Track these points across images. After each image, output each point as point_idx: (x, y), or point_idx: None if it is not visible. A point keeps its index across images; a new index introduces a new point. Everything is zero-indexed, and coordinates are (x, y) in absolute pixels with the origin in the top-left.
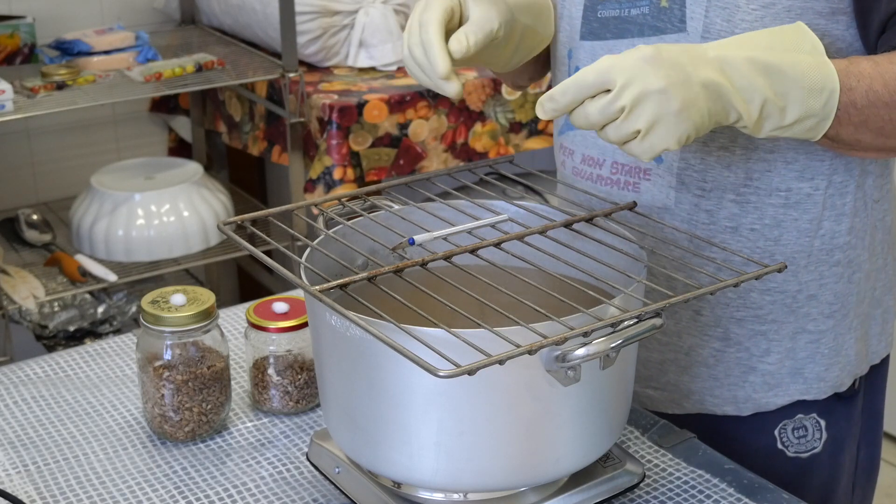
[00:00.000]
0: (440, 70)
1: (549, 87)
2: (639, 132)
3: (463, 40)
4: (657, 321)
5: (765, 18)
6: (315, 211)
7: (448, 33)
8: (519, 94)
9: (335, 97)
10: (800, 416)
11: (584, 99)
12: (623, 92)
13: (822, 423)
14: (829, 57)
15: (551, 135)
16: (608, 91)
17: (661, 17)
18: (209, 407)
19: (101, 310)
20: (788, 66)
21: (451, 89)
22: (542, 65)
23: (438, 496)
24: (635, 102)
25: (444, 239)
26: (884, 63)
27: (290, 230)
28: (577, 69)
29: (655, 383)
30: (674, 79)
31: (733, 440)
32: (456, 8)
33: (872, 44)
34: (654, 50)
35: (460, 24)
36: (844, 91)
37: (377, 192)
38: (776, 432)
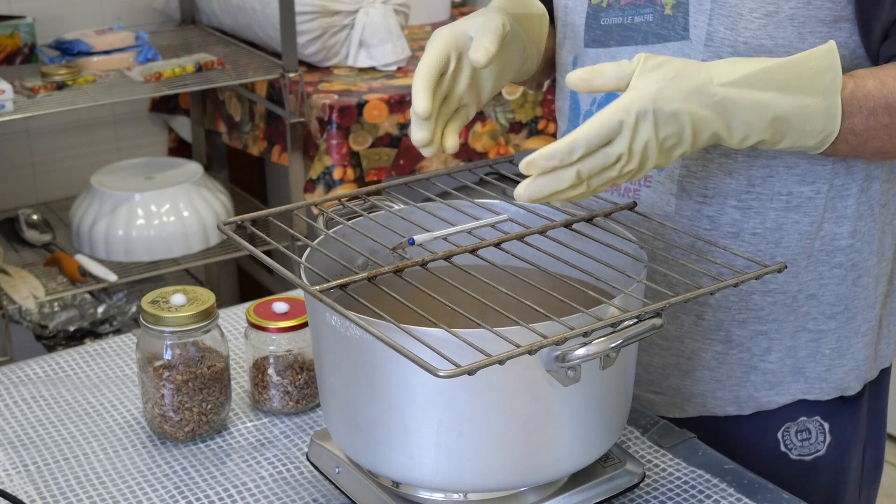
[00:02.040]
0: (418, 109)
1: (553, 88)
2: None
3: (480, 48)
4: (657, 321)
5: (768, 27)
6: (315, 211)
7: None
8: (519, 94)
9: (335, 97)
10: (803, 418)
11: (589, 153)
12: (627, 151)
13: (826, 425)
14: None
15: (551, 135)
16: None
17: (664, 24)
18: (209, 407)
19: (101, 310)
20: (793, 114)
21: (420, 136)
22: (552, 63)
23: (438, 496)
24: (633, 157)
25: (444, 239)
26: (889, 82)
27: (290, 230)
28: None
29: (657, 388)
30: (669, 131)
31: (736, 443)
32: (453, 51)
33: (875, 50)
34: (655, 99)
35: (459, 62)
36: (845, 118)
37: (377, 192)
38: (779, 435)
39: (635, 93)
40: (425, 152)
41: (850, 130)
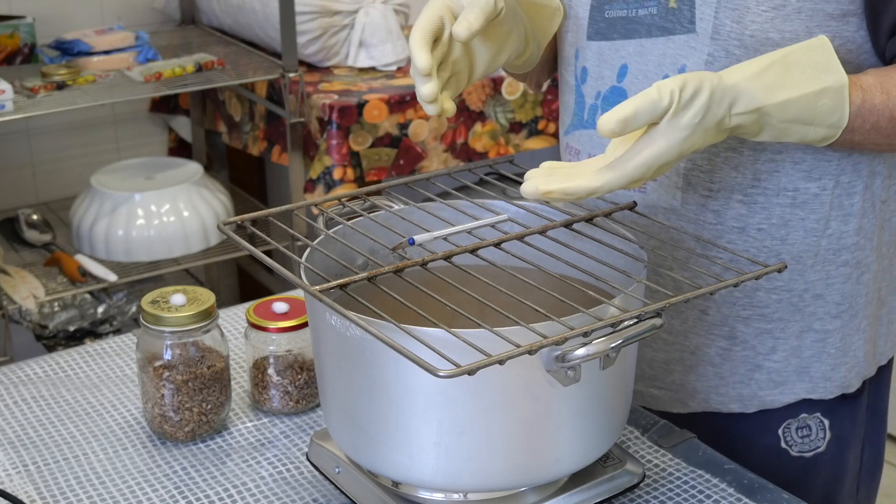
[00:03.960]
0: (419, 64)
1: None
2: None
3: (463, 21)
4: (657, 321)
5: (775, 20)
6: (315, 211)
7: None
8: (519, 94)
9: (335, 97)
10: (804, 415)
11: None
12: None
13: (826, 422)
14: (839, 58)
15: (551, 135)
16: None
17: (669, 17)
18: (209, 407)
19: (101, 310)
20: (806, 114)
21: (426, 89)
22: (555, 60)
23: (438, 496)
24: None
25: (444, 239)
26: (893, 86)
27: (290, 230)
28: (584, 69)
29: (660, 383)
30: (682, 153)
31: (737, 439)
32: (447, 16)
33: (882, 46)
34: (681, 146)
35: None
36: (846, 132)
37: (377, 192)
38: (780, 431)
39: (664, 143)
40: (429, 109)
41: (847, 140)
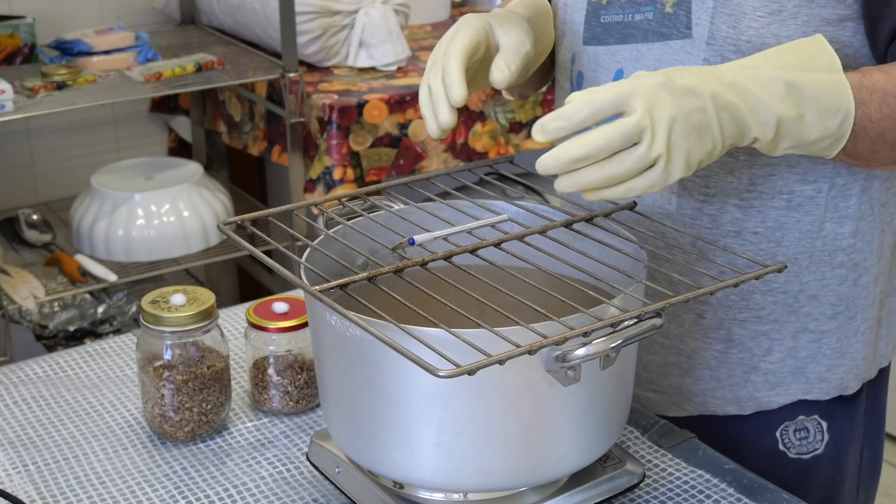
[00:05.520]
0: (456, 96)
1: (554, 88)
2: (659, 157)
3: (504, 69)
4: (657, 321)
5: (771, 25)
6: (315, 211)
7: (474, 65)
8: None
9: (335, 97)
10: (801, 417)
11: (597, 119)
12: (645, 116)
13: (824, 424)
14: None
15: None
16: (621, 115)
17: (665, 22)
18: (209, 407)
19: (101, 310)
20: (806, 86)
21: (449, 119)
22: (547, 71)
23: (438, 496)
24: (657, 127)
25: (444, 239)
26: (895, 73)
27: (290, 230)
28: (580, 74)
29: (656, 386)
30: (691, 104)
31: (735, 441)
32: (482, 39)
33: (881, 51)
34: (665, 77)
35: (486, 53)
36: (859, 106)
37: (377, 192)
38: (777, 433)
39: (643, 77)
40: (435, 133)
41: (866, 117)
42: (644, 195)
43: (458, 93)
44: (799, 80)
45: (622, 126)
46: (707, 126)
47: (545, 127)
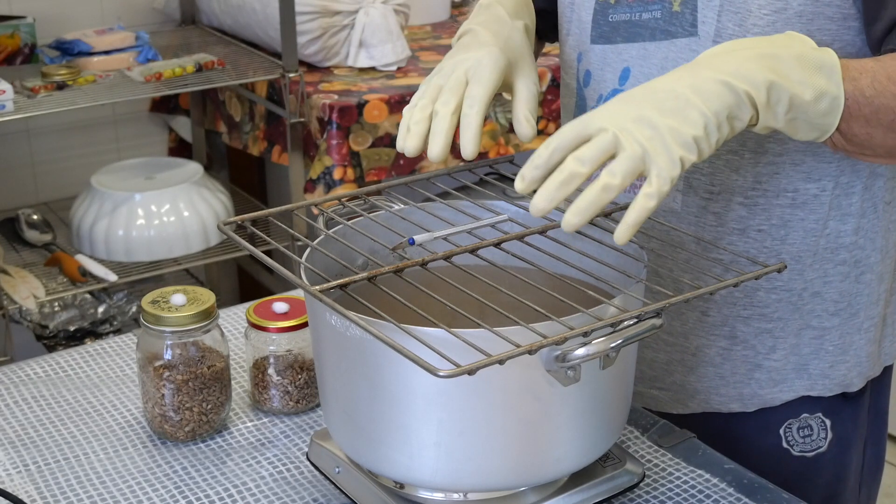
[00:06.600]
0: (469, 155)
1: (554, 88)
2: (644, 154)
3: (528, 125)
4: (657, 321)
5: (777, 23)
6: (315, 211)
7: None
8: None
9: (335, 97)
10: (805, 415)
11: (566, 153)
12: (610, 124)
13: (828, 422)
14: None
15: (551, 135)
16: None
17: (672, 21)
18: (209, 407)
19: (101, 310)
20: (783, 51)
21: (443, 155)
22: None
23: (438, 496)
24: (624, 127)
25: (444, 239)
26: (886, 59)
27: (290, 230)
28: (588, 73)
29: (661, 384)
30: (657, 97)
31: (738, 439)
32: (502, 80)
33: (875, 50)
34: (623, 94)
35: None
36: (849, 80)
37: (377, 192)
38: (781, 431)
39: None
40: (413, 154)
41: (859, 92)
42: (664, 197)
43: (473, 151)
44: (773, 52)
45: (594, 142)
46: (683, 105)
47: (523, 176)
